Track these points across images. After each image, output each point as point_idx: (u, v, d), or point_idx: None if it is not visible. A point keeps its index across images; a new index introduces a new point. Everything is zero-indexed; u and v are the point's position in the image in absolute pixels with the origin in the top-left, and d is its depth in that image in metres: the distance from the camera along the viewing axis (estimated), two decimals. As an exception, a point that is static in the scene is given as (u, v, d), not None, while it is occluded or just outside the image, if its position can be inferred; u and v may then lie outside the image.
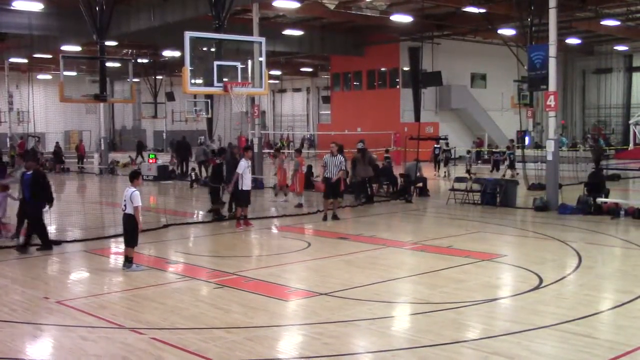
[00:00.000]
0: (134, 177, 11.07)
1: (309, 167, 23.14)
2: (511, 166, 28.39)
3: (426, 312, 8.36)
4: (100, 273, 10.98)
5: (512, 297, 9.24)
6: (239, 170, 15.28)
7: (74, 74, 35.43)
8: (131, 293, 9.50)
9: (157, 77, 52.50)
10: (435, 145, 30.86)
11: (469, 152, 32.57)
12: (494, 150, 36.74)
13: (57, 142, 39.10)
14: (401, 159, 30.85)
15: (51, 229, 14.73)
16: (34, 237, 12.73)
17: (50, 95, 46.66)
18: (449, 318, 8.06)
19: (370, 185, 20.61)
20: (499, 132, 43.37)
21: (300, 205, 19.06)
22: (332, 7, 29.82)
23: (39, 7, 27.92)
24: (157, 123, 58.08)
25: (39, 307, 8.86)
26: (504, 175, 27.10)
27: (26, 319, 8.34)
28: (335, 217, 16.52)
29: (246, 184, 15.35)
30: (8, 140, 42.26)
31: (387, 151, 25.84)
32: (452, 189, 19.99)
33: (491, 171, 30.47)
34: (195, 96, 38.24)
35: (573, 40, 41.24)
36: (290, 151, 36.35)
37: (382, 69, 43.82)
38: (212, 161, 19.23)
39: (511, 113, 42.37)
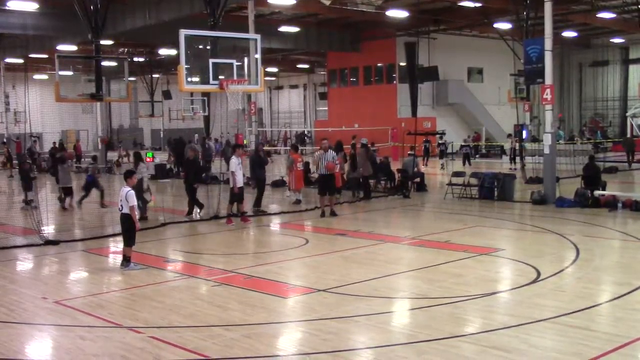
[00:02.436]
0: (129, 176, 11.09)
1: (307, 164, 23.11)
2: (514, 159, 28.60)
3: (424, 307, 8.37)
4: (98, 272, 10.98)
5: (510, 291, 9.26)
6: (231, 168, 15.40)
7: (69, 73, 35.34)
8: (129, 292, 9.50)
9: (154, 75, 52.43)
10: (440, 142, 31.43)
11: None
12: (462, 144, 36.77)
13: (54, 142, 38.97)
14: (399, 154, 30.83)
15: (49, 229, 14.77)
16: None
17: (47, 95, 46.55)
18: (447, 313, 8.07)
19: (368, 181, 20.59)
20: (497, 126, 43.40)
21: (298, 202, 19.07)
22: (327, 3, 29.75)
23: (33, 7, 27.82)
24: (154, 121, 58.08)
25: (37, 307, 8.84)
26: (517, 168, 27.16)
27: (24, 319, 8.33)
28: (333, 214, 16.52)
29: (238, 180, 15.44)
30: (5, 140, 42.15)
31: (372, 144, 25.57)
32: (450, 184, 19.99)
33: (463, 165, 30.82)
34: (191, 94, 38.17)
35: (569, 34, 41.17)
36: (287, 148, 36.18)
37: (379, 64, 43.74)
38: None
39: (508, 107, 42.36)
